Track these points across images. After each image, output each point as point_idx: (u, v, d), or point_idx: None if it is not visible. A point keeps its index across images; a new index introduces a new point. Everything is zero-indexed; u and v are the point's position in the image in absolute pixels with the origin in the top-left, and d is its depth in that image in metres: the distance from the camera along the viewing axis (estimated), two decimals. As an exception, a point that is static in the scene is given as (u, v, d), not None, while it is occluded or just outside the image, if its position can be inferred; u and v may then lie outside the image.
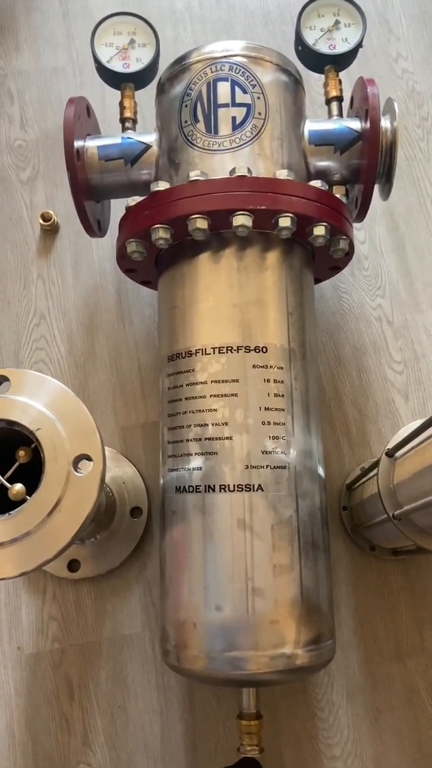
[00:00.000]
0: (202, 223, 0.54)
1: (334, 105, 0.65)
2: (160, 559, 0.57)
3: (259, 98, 0.59)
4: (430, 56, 0.86)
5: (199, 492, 0.53)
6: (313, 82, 0.80)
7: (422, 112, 0.83)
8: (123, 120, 0.65)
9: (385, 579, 0.68)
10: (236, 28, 0.87)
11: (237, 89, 0.59)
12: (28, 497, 0.43)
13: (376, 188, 0.65)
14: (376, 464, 0.55)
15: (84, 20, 0.87)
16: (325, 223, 0.56)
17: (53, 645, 0.66)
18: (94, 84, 0.76)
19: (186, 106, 0.59)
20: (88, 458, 0.43)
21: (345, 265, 0.66)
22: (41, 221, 0.77)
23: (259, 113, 0.58)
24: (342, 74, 0.66)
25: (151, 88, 0.65)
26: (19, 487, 0.43)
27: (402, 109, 0.84)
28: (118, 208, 0.73)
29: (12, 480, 0.44)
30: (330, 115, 0.65)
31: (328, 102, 0.65)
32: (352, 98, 0.67)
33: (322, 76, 0.66)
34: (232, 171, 0.54)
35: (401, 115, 0.83)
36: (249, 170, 0.54)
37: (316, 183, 0.57)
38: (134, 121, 0.65)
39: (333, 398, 0.74)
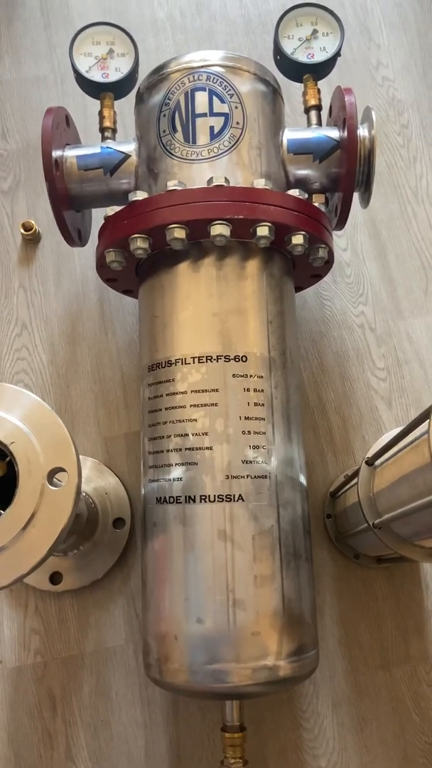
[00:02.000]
0: (180, 233, 0.53)
1: (313, 114, 0.65)
2: (142, 571, 0.56)
3: (236, 108, 0.59)
4: (411, 64, 0.86)
5: (180, 503, 0.53)
6: (295, 90, 0.80)
7: (402, 120, 0.84)
8: (102, 129, 0.65)
9: (369, 587, 0.68)
10: (217, 37, 0.88)
11: (215, 99, 0.59)
12: (1, 512, 0.42)
13: (356, 196, 0.66)
14: (357, 472, 0.55)
15: (65, 30, 0.87)
16: (303, 232, 0.56)
17: (35, 658, 0.65)
18: (75, 93, 0.76)
19: (164, 115, 0.59)
20: (64, 471, 0.43)
21: (326, 273, 0.66)
22: (22, 231, 0.77)
23: (237, 123, 0.58)
24: (323, 82, 0.66)
25: (133, 97, 0.65)
26: (-7, 501, 0.43)
27: (382, 116, 0.84)
28: (99, 217, 0.72)
29: (-13, 494, 0.44)
30: (309, 123, 0.65)
31: (307, 111, 0.66)
32: (331, 107, 0.67)
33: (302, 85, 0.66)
34: (210, 180, 0.54)
35: (381, 123, 0.84)
36: (227, 180, 0.54)
37: (294, 192, 0.57)
38: (114, 131, 0.65)
39: (316, 406, 0.74)
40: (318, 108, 0.65)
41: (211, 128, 0.58)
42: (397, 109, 0.84)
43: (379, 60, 0.87)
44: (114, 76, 0.65)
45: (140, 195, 0.56)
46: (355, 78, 0.85)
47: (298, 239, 0.56)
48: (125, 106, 0.70)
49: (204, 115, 0.58)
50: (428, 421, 0.39)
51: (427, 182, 0.82)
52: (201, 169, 0.57)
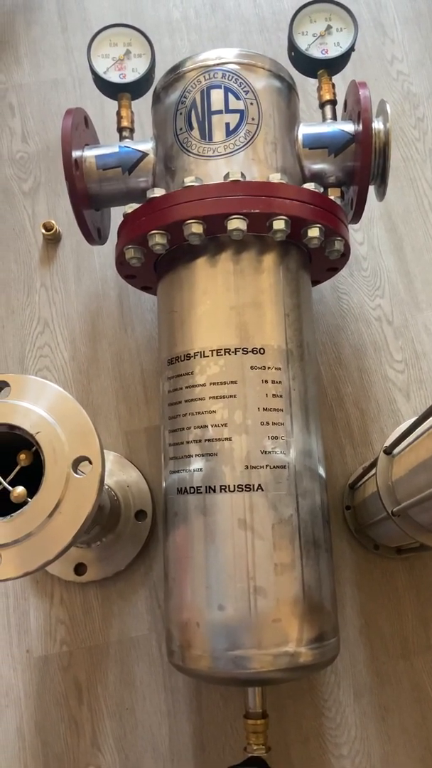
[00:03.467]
0: (197, 228, 0.54)
1: (328, 108, 0.66)
2: (164, 560, 0.58)
3: (252, 104, 0.60)
4: (425, 58, 0.86)
5: (200, 493, 0.54)
6: (310, 86, 0.81)
7: (418, 113, 0.84)
8: (120, 129, 0.66)
9: (389, 578, 0.68)
10: (232, 36, 0.89)
11: (230, 96, 0.60)
12: (29, 499, 0.44)
13: (372, 189, 0.66)
14: (375, 462, 0.55)
15: (82, 33, 0.88)
16: (319, 225, 0.57)
17: (61, 648, 0.66)
18: (93, 95, 0.77)
19: (181, 113, 0.60)
20: (88, 460, 0.44)
21: (342, 266, 0.67)
22: (43, 231, 0.79)
23: (253, 119, 0.59)
24: (338, 78, 0.67)
25: (150, 97, 0.66)
26: (20, 489, 0.44)
27: (398, 110, 0.84)
28: (118, 215, 0.74)
29: (13, 483, 0.45)
30: (324, 118, 0.66)
31: (322, 106, 0.66)
32: (345, 101, 0.68)
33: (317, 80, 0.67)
34: (226, 176, 0.55)
35: (397, 117, 0.84)
36: (243, 175, 0.55)
37: (310, 185, 0.58)
38: (131, 130, 0.66)
39: (334, 399, 0.74)
40: (333, 103, 0.66)
41: (227, 125, 0.59)
42: (412, 103, 0.85)
43: (394, 54, 0.87)
44: (131, 77, 0.66)
45: (158, 192, 0.57)
46: (369, 73, 0.86)
47: (314, 232, 0.57)
48: (142, 106, 0.71)
49: (220, 112, 0.59)
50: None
51: (443, 175, 0.82)
52: (217, 165, 0.58)
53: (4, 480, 0.46)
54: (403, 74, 0.86)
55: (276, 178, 0.56)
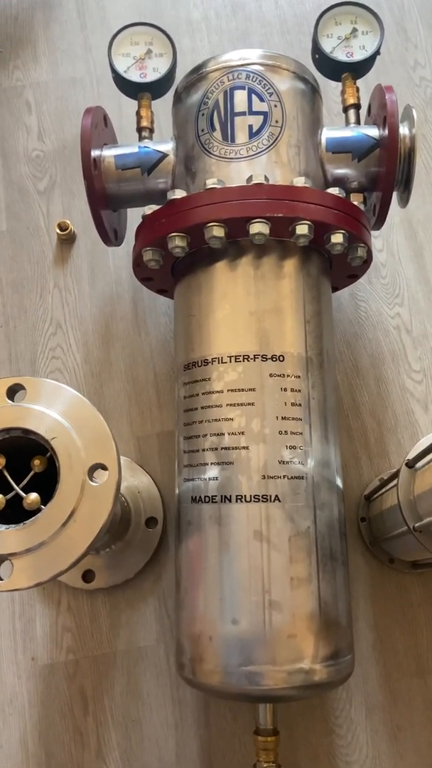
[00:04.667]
0: (218, 231, 0.53)
1: (352, 112, 0.65)
2: (176, 570, 0.56)
3: (276, 106, 0.59)
4: (449, 63, 0.85)
5: (215, 502, 0.53)
6: (330, 90, 0.80)
7: (440, 120, 0.83)
8: (140, 129, 0.65)
9: (404, 592, 0.66)
10: (253, 37, 0.87)
11: (254, 97, 0.59)
12: (42, 507, 0.43)
13: (395, 196, 0.65)
14: (395, 475, 0.54)
15: (102, 31, 0.88)
16: (342, 231, 0.56)
17: (67, 656, 0.65)
18: (111, 95, 0.76)
19: (203, 114, 0.59)
20: (104, 467, 0.43)
21: (363, 273, 0.65)
22: (58, 231, 0.78)
23: (276, 121, 0.58)
24: (359, 82, 0.66)
25: (169, 98, 0.65)
26: (33, 496, 0.43)
27: (421, 116, 0.83)
28: (134, 216, 0.73)
29: (27, 489, 0.44)
30: (347, 122, 0.65)
31: (346, 110, 0.65)
32: (369, 106, 0.67)
33: (340, 84, 0.66)
34: (249, 179, 0.54)
35: (420, 123, 0.83)
36: (266, 178, 0.54)
37: (334, 190, 0.57)
38: (151, 131, 0.65)
39: (351, 408, 0.73)
40: (357, 107, 0.65)
41: (250, 127, 0.58)
42: (434, 109, 0.83)
43: (417, 60, 0.86)
44: (152, 76, 0.65)
45: (179, 193, 0.56)
46: (392, 78, 0.84)
47: (337, 238, 0.56)
48: (160, 107, 0.70)
49: (243, 113, 0.58)
50: None
51: (464, 182, 0.80)
52: (239, 167, 0.57)
53: (17, 486, 0.44)
54: (426, 80, 0.84)
55: (300, 182, 0.55)
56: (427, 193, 0.80)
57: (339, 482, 0.57)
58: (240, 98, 0.59)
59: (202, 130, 0.59)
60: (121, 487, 0.66)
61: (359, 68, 0.65)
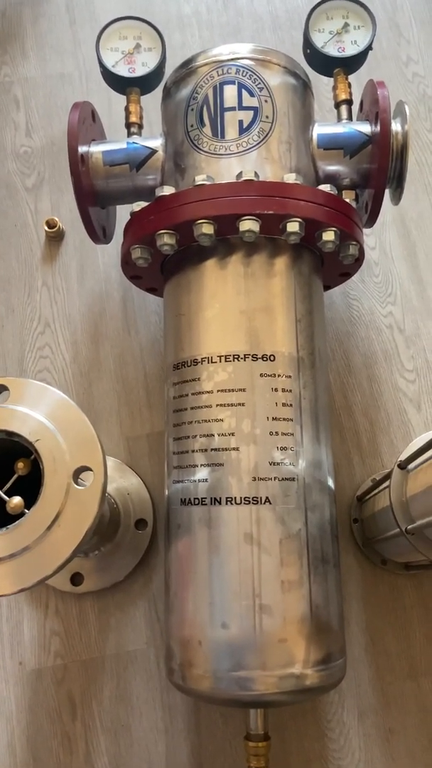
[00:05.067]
0: (208, 229, 0.52)
1: (344, 108, 0.64)
2: (165, 573, 0.55)
3: (266, 101, 0.58)
4: (441, 60, 0.84)
5: (205, 504, 0.52)
6: (322, 86, 0.79)
7: (433, 117, 0.82)
8: (128, 125, 0.64)
9: (397, 594, 0.66)
10: (244, 32, 0.86)
11: (244, 92, 0.58)
12: (26, 511, 0.41)
13: (387, 193, 0.64)
14: (388, 476, 0.53)
15: (91, 27, 0.86)
16: (334, 228, 0.55)
17: (55, 661, 0.64)
18: (100, 90, 0.75)
19: (192, 109, 0.58)
20: (89, 470, 0.42)
21: (355, 272, 0.65)
22: (46, 228, 0.76)
23: (267, 117, 0.57)
24: (351, 78, 0.65)
25: (159, 93, 0.64)
26: (17, 500, 0.42)
27: (413, 113, 0.82)
28: (123, 214, 0.72)
29: (10, 493, 0.43)
30: (339, 118, 0.64)
31: (338, 105, 0.64)
32: (362, 102, 0.66)
33: (331, 80, 0.65)
34: (239, 175, 0.53)
35: (412, 120, 0.82)
36: (256, 174, 0.53)
37: (325, 187, 0.56)
38: (140, 126, 0.64)
39: (343, 408, 0.72)
40: (349, 103, 0.64)
41: (240, 122, 0.57)
42: (427, 106, 0.83)
43: (409, 55, 0.85)
44: (140, 71, 0.64)
45: (167, 190, 0.55)
46: (384, 74, 0.83)
47: (329, 236, 0.55)
48: (150, 103, 0.69)
49: (233, 108, 0.57)
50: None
51: (457, 180, 0.80)
52: (229, 163, 0.56)
53: (1, 490, 0.43)
54: (418, 76, 0.84)
55: (291, 178, 0.54)
56: (421, 191, 0.80)
57: (331, 483, 0.56)
58: (230, 93, 0.58)
59: (192, 126, 0.58)
60: (110, 489, 0.65)
61: (351, 63, 0.64)
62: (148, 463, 0.70)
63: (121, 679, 0.63)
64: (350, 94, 0.64)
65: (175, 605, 0.53)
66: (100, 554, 0.65)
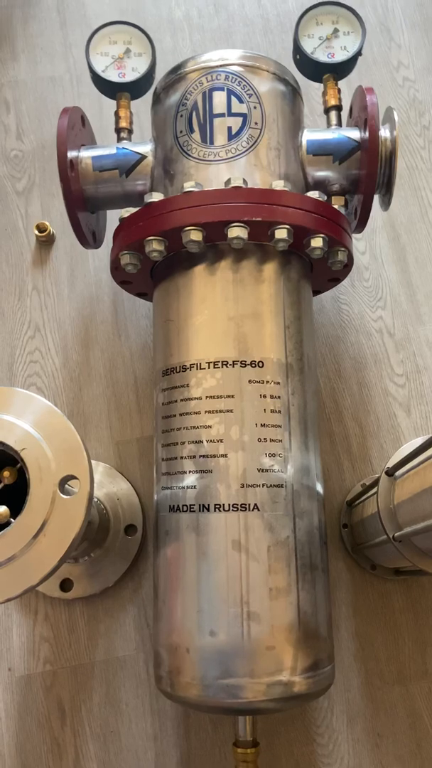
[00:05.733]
0: (196, 235, 0.52)
1: (333, 114, 0.64)
2: (154, 580, 0.55)
3: (255, 108, 0.58)
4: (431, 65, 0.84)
5: (193, 511, 0.52)
6: (313, 91, 0.79)
7: (423, 121, 0.82)
8: (118, 130, 0.64)
9: (386, 599, 0.66)
10: (235, 37, 0.86)
11: (233, 99, 0.58)
12: (12, 520, 0.41)
13: (376, 198, 0.64)
14: (376, 482, 0.53)
15: (81, 30, 0.86)
16: (322, 235, 0.55)
17: (45, 667, 0.64)
18: (91, 93, 0.75)
19: (181, 115, 0.58)
20: (75, 479, 0.42)
21: (344, 277, 0.65)
22: (36, 232, 0.76)
23: (256, 123, 0.57)
24: (342, 83, 0.65)
25: (150, 97, 0.64)
26: (3, 509, 0.42)
27: (403, 118, 0.82)
28: (114, 218, 0.71)
29: (-3, 501, 0.43)
30: (329, 124, 0.64)
31: (327, 111, 0.64)
32: (351, 107, 0.66)
33: (322, 85, 0.65)
34: (228, 182, 0.53)
35: (402, 124, 0.82)
36: (245, 181, 0.53)
37: (314, 194, 0.56)
38: (129, 131, 0.64)
39: (333, 412, 0.72)
40: (338, 108, 0.64)
41: (229, 129, 0.57)
42: (418, 110, 0.83)
43: (400, 60, 0.85)
44: (131, 76, 0.64)
45: (156, 196, 0.55)
46: (375, 79, 0.84)
47: (317, 242, 0.55)
48: (141, 107, 0.69)
49: (222, 115, 0.57)
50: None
51: (448, 185, 0.80)
52: (218, 170, 0.56)
53: (-13, 498, 0.43)
54: (409, 81, 0.84)
55: (279, 185, 0.54)
56: (410, 196, 0.80)
57: (319, 489, 0.56)
58: (219, 99, 0.58)
59: (181, 132, 0.58)
60: (100, 494, 0.65)
61: (341, 69, 0.64)
62: (138, 468, 0.70)
63: (111, 685, 0.63)
64: (339, 99, 0.64)
65: (164, 612, 0.53)
66: (90, 560, 0.64)
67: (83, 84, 0.83)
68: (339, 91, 0.64)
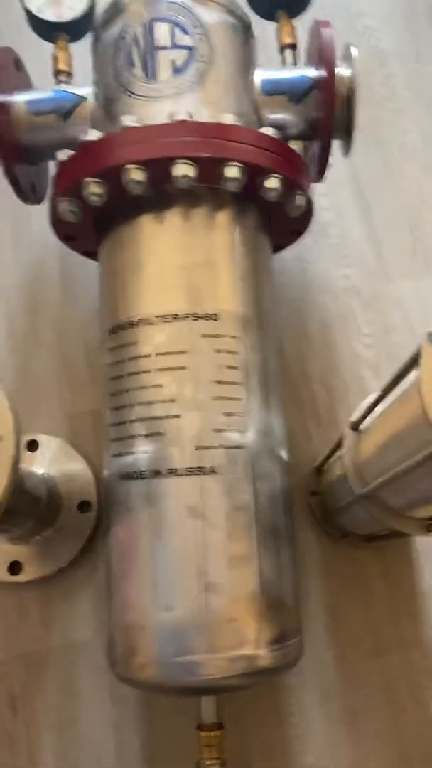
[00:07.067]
0: (137, 174, 0.48)
1: (288, 53, 0.60)
2: (106, 557, 0.51)
3: (202, 40, 0.53)
4: (394, 12, 0.81)
5: (145, 478, 0.47)
6: (269, 40, 0.74)
7: (386, 71, 0.78)
8: (56, 72, 0.59)
9: (358, 568, 0.62)
10: (186, -15, 0.81)
11: (177, 30, 0.53)
12: None
13: (336, 144, 0.60)
14: (342, 439, 0.49)
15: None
16: (278, 175, 0.51)
17: (-6, 656, 0.59)
18: (33, 47, 0.70)
19: (120, 49, 0.53)
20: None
21: (305, 228, 0.61)
22: (-24, 193, 0.71)
23: (202, 56, 0.53)
24: (300, 28, 0.61)
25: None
26: None
27: (365, 67, 0.78)
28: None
29: None
30: (284, 63, 0.60)
31: (282, 50, 0.60)
32: (308, 49, 0.62)
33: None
34: (171, 115, 0.49)
35: (364, 75, 0.78)
36: (190, 115, 0.49)
37: (268, 130, 0.52)
38: (68, 74, 0.59)
39: (299, 377, 0.68)
40: (293, 47, 0.60)
41: (173, 62, 0.52)
42: (380, 60, 0.79)
43: (360, 8, 0.81)
44: (68, 15, 0.59)
45: (93, 134, 0.50)
46: (334, 27, 0.79)
47: (272, 183, 0.50)
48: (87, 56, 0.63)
49: (165, 48, 0.52)
50: (418, 365, 0.33)
51: (413, 137, 0.76)
52: (163, 107, 0.51)
53: None
54: (370, 29, 0.80)
55: (229, 119, 0.50)
56: (375, 149, 0.76)
57: (282, 452, 0.52)
58: (161, 31, 0.53)
59: (121, 68, 0.53)
60: (52, 470, 0.60)
61: (295, 4, 0.60)
62: (92, 442, 0.65)
63: (66, 672, 0.59)
64: (295, 37, 0.60)
65: (117, 590, 0.49)
66: (41, 540, 0.60)
67: (24, 36, 0.77)
68: (293, 28, 0.60)
